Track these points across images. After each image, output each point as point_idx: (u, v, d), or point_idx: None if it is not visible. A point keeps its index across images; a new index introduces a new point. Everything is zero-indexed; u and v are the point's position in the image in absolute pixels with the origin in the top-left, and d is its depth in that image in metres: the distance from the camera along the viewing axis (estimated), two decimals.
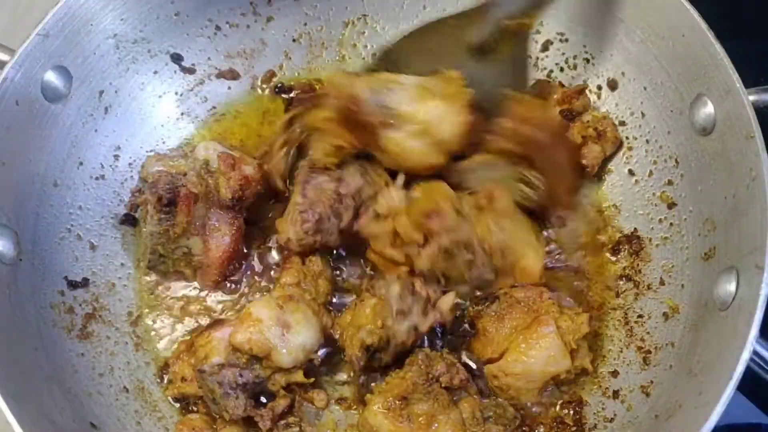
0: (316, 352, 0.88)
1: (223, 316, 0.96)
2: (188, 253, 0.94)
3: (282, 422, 0.88)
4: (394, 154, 0.90)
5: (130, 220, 1.00)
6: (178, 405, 0.92)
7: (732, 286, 0.77)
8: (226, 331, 0.86)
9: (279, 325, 0.86)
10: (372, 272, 0.96)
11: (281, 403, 0.87)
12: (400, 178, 0.92)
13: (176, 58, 1.05)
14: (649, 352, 0.89)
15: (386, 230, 0.90)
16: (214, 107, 1.08)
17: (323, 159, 0.92)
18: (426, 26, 0.95)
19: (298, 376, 0.87)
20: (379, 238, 0.91)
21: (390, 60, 0.95)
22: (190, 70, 1.07)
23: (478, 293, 0.93)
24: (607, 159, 0.99)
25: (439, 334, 0.90)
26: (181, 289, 0.99)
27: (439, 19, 0.94)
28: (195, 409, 0.91)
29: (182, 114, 1.07)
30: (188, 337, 0.95)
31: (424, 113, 0.88)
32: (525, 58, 0.98)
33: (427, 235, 0.88)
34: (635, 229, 0.97)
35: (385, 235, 0.90)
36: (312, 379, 0.88)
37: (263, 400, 0.88)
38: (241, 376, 0.85)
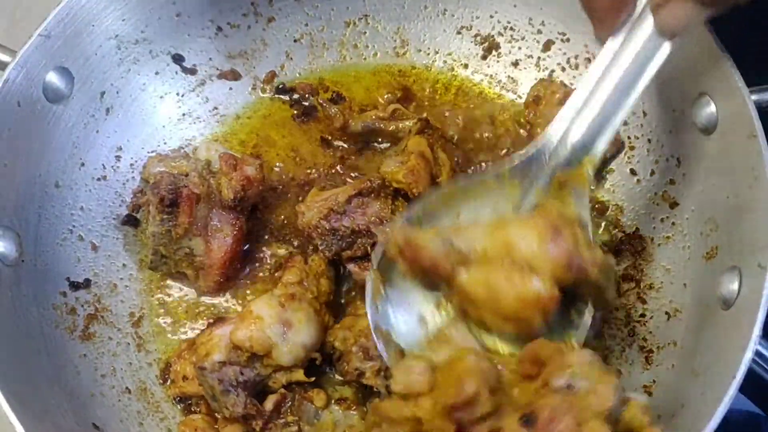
0: (318, 351, 0.88)
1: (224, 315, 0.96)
2: (190, 253, 0.93)
3: (281, 421, 0.88)
4: (481, 298, 0.75)
5: (131, 221, 1.00)
6: (180, 406, 0.92)
7: (734, 286, 0.77)
8: (227, 329, 0.86)
9: (280, 323, 0.86)
10: None
11: (272, 400, 0.87)
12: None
13: (177, 59, 1.05)
14: (651, 351, 0.89)
15: (406, 415, 0.71)
16: (215, 108, 1.08)
17: None
18: (462, 187, 0.83)
19: (299, 375, 0.87)
20: (398, 425, 0.71)
21: (429, 214, 0.83)
22: (192, 71, 1.07)
23: None
24: (609, 159, 0.99)
25: None
26: (183, 289, 0.98)
27: (477, 180, 0.83)
28: (197, 410, 0.91)
29: (183, 115, 1.07)
30: (190, 337, 0.95)
31: (503, 240, 0.74)
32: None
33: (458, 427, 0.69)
34: (637, 228, 0.96)
35: (404, 424, 0.71)
36: (312, 378, 0.88)
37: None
38: (241, 374, 0.85)
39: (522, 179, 0.82)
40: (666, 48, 0.77)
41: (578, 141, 0.81)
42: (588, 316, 0.79)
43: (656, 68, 0.77)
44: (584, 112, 0.80)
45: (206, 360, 0.85)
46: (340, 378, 0.91)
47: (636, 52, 0.77)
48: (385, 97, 1.08)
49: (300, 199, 1.00)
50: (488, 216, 0.81)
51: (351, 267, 0.92)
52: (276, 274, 0.97)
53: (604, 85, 0.79)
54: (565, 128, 0.81)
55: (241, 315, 0.87)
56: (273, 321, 0.86)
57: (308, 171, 1.04)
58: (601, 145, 0.80)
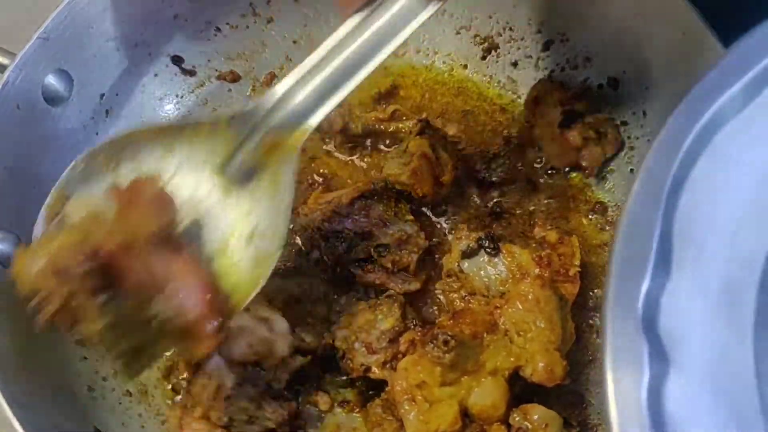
0: (316, 351, 0.89)
1: None
2: (163, 320, 0.72)
3: None
4: None
5: None
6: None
7: None
8: (217, 359, 0.85)
9: (261, 322, 0.86)
10: None
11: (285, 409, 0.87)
12: None
13: (176, 61, 1.05)
14: None
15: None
16: (214, 109, 1.07)
17: None
18: (175, 127, 0.81)
19: (298, 361, 0.87)
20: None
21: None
22: (191, 72, 1.07)
23: None
24: (609, 159, 1.00)
25: None
26: None
27: (192, 124, 0.80)
28: None
29: (183, 116, 1.06)
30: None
31: None
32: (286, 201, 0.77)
33: None
34: None
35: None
36: (309, 357, 0.88)
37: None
38: (256, 385, 0.85)
39: (237, 132, 0.78)
40: (411, 25, 0.75)
41: (297, 107, 0.77)
42: None
43: (393, 46, 0.75)
44: (311, 79, 0.77)
45: (221, 395, 0.84)
46: (344, 380, 0.91)
47: (378, 26, 0.75)
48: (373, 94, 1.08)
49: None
50: (196, 164, 0.78)
51: (353, 269, 0.92)
52: None
53: (337, 56, 0.76)
54: (287, 90, 0.77)
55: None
56: (255, 323, 0.86)
57: (309, 173, 1.03)
58: (317, 118, 0.77)
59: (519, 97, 1.07)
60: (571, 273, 0.89)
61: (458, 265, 0.91)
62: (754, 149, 0.51)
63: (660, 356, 0.46)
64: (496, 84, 1.08)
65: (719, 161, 0.50)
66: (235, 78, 1.09)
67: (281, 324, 0.87)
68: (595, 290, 0.94)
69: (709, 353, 0.47)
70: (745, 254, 0.49)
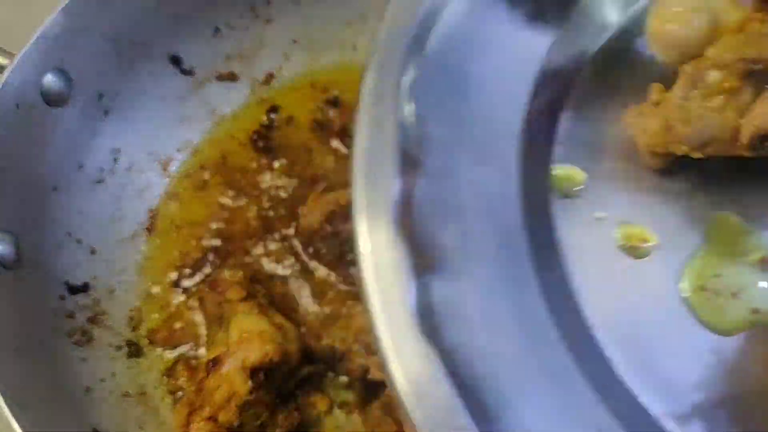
0: (314, 353, 0.89)
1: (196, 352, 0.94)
2: None
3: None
4: None
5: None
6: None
7: None
8: (234, 361, 0.84)
9: (277, 329, 0.86)
10: None
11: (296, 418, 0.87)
12: None
13: (175, 61, 1.05)
14: None
15: None
16: (213, 110, 1.08)
17: None
18: None
19: (306, 370, 0.88)
20: None
21: None
22: (189, 72, 1.07)
23: None
24: None
25: None
26: (182, 292, 0.98)
27: None
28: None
29: (182, 116, 1.06)
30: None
31: None
32: None
33: None
34: None
35: None
36: (314, 366, 0.89)
37: None
38: (269, 392, 0.85)
39: None
40: None
41: None
42: None
43: None
44: None
45: (236, 402, 0.83)
46: (343, 381, 0.91)
47: None
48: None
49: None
50: None
51: (353, 271, 0.92)
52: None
53: None
54: None
55: (240, 340, 0.84)
56: (273, 330, 0.86)
57: (309, 172, 1.03)
58: None
59: None
60: None
61: None
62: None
63: (422, 260, 0.44)
64: None
65: (451, 40, 0.48)
66: (233, 78, 1.09)
67: (292, 332, 0.88)
68: None
69: (471, 242, 0.45)
70: (503, 115, 0.47)
